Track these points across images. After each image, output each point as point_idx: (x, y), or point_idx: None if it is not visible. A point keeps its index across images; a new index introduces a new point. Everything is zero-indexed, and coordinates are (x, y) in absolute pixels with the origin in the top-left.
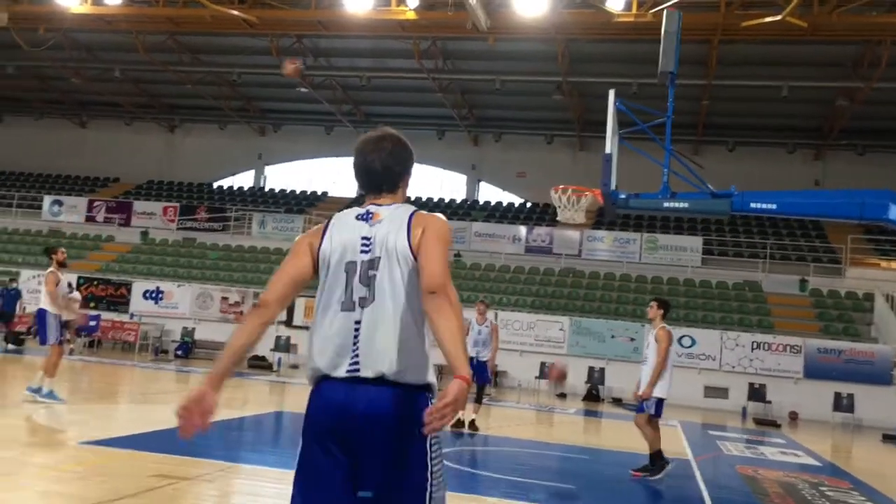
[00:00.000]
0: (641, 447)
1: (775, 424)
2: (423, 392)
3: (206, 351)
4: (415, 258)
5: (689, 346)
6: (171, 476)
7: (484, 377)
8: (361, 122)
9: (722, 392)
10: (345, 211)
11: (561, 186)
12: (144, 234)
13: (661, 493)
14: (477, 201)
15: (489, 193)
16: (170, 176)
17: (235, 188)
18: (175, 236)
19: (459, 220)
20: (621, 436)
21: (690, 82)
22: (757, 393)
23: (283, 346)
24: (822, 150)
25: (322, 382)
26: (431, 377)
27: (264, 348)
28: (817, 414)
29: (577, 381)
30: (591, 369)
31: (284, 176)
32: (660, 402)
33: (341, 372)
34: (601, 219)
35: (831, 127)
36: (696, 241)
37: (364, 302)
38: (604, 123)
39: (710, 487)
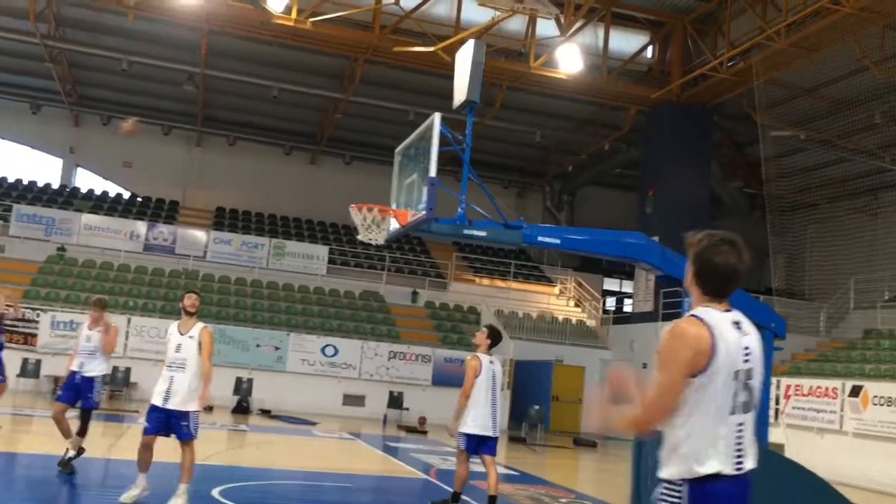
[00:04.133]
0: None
1: (420, 431)
2: None
3: None
4: None
5: (333, 356)
6: None
7: (90, 399)
8: None
9: (359, 400)
10: (716, 316)
11: (364, 206)
12: None
13: None
14: (78, 189)
15: (89, 181)
16: None
17: None
18: None
19: (60, 208)
20: (339, 456)
21: (329, 94)
22: (396, 400)
23: None
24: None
25: (711, 482)
26: None
27: None
28: (443, 419)
29: (223, 392)
30: (238, 380)
31: None
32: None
33: (731, 469)
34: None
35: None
36: (322, 250)
37: (746, 406)
38: (224, 121)
39: None
